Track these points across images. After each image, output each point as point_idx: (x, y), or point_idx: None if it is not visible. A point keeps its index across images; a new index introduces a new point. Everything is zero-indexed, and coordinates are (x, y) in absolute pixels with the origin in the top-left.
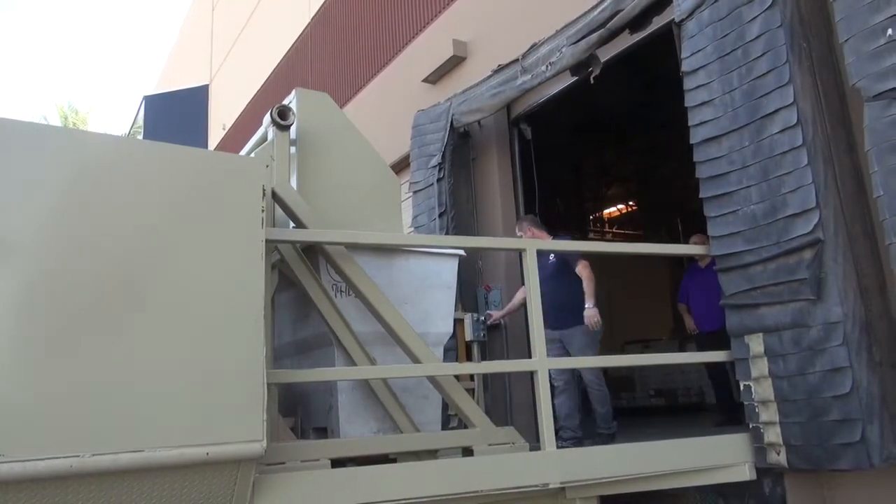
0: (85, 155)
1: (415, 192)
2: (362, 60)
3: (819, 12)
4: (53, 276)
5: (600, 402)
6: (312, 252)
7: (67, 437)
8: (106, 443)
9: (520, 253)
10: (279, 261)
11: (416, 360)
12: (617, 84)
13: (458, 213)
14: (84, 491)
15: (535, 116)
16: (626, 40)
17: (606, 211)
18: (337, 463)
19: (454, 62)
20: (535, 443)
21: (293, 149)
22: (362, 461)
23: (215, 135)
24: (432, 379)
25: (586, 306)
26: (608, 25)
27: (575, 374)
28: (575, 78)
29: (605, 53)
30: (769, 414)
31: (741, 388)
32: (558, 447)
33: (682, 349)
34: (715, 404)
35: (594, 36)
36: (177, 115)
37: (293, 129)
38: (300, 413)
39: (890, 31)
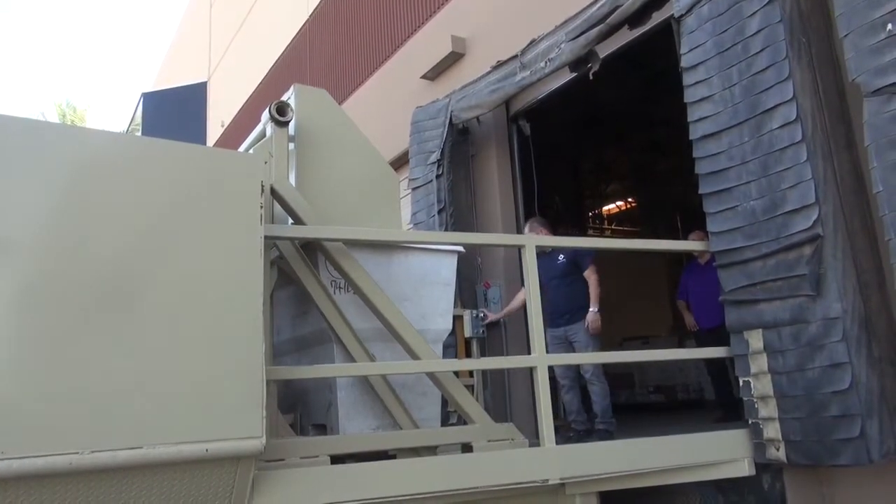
0: (83, 152)
1: (414, 189)
2: (361, 57)
3: (819, 7)
4: (51, 273)
5: (600, 397)
6: (311, 249)
7: (66, 434)
8: (105, 439)
9: (519, 249)
10: (278, 257)
11: (415, 357)
12: (616, 80)
13: (457, 210)
14: (83, 488)
15: (534, 113)
16: (626, 36)
17: (605, 208)
18: (336, 459)
19: (453, 58)
20: (534, 439)
21: (291, 145)
22: (361, 458)
23: (214, 132)
24: (431, 375)
25: (591, 310)
26: (607, 21)
27: (576, 371)
28: (574, 74)
29: (605, 49)
30: (768, 410)
31: (740, 384)
32: (570, 440)
33: (681, 345)
34: (714, 400)
35: (593, 32)
36: (175, 112)
37: (292, 125)
38: (300, 410)
39: (890, 26)
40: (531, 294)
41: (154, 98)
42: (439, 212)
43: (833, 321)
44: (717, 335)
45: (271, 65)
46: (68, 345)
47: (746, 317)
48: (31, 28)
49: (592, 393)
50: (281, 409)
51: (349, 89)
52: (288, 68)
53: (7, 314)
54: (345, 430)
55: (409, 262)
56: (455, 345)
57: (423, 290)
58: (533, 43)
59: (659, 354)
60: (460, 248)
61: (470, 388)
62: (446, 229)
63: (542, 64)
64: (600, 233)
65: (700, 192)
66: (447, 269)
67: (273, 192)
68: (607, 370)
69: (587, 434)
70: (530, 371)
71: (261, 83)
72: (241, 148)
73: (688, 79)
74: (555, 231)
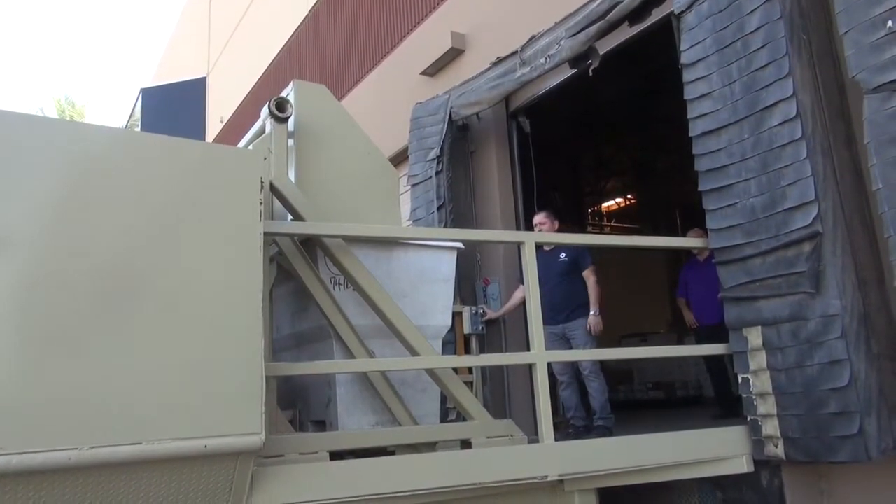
0: (82, 147)
1: (413, 186)
2: (360, 53)
3: (819, 4)
4: (50, 269)
5: (598, 393)
6: (311, 245)
7: (66, 430)
8: (104, 435)
9: (518, 246)
10: (277, 253)
11: (414, 354)
12: (616, 77)
13: (457, 207)
14: (82, 483)
15: (534, 109)
16: (626, 32)
17: (605, 204)
18: (335, 456)
19: (453, 55)
20: (533, 436)
21: (291, 141)
22: (361, 454)
23: (213, 127)
24: (431, 372)
25: (591, 313)
26: (607, 17)
27: (575, 368)
28: (574, 70)
29: (605, 46)
30: (767, 406)
31: (739, 380)
32: (569, 436)
33: (679, 342)
34: (713, 397)
35: (593, 28)
36: (174, 108)
37: (291, 121)
38: (299, 406)
39: (890, 23)
40: (530, 291)
41: (153, 93)
42: (439, 208)
43: (832, 318)
44: (717, 332)
45: (270, 60)
46: (67, 341)
47: (745, 314)
48: (30, 23)
49: (591, 389)
50: (280, 405)
51: (349, 85)
52: (287, 64)
53: (6, 310)
54: (344, 426)
55: (408, 259)
56: (454, 341)
57: (423, 286)
58: (533, 39)
59: (658, 351)
60: (459, 245)
61: (469, 384)
62: (446, 226)
63: (542, 60)
64: (599, 229)
65: (700, 188)
66: (446, 265)
67: (272, 188)
68: (606, 367)
69: (586, 431)
70: (529, 368)
71: (260, 79)
72: (241, 144)
73: (687, 76)
74: (560, 226)
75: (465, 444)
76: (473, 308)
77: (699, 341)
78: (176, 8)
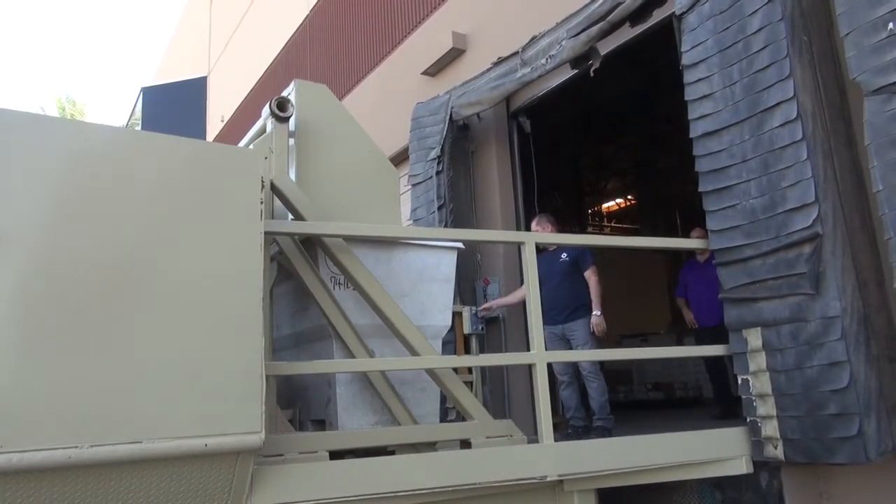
0: (82, 146)
1: (413, 185)
2: (361, 52)
3: (820, 6)
4: (51, 267)
5: (598, 393)
6: (311, 244)
7: (66, 429)
8: (104, 434)
9: (519, 246)
10: (277, 253)
11: (413, 353)
12: (617, 77)
13: (457, 206)
14: (82, 482)
15: (535, 109)
16: (627, 33)
17: (605, 205)
18: (335, 455)
19: (454, 54)
20: (532, 436)
21: (291, 140)
22: (361, 453)
23: (213, 127)
24: (430, 372)
25: (594, 313)
26: (608, 18)
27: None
28: (575, 71)
29: (606, 46)
30: (767, 408)
31: (739, 381)
32: (569, 437)
33: (679, 343)
34: (713, 398)
35: (594, 29)
36: (175, 107)
37: (292, 120)
38: (298, 405)
39: (891, 25)
40: (531, 291)
41: (154, 92)
42: (439, 208)
43: (832, 319)
44: (717, 333)
45: (271, 60)
46: (67, 339)
47: (745, 315)
48: (30, 22)
49: (590, 390)
50: (280, 404)
51: (350, 85)
52: (288, 63)
53: (7, 308)
54: (343, 425)
55: (408, 259)
56: (454, 341)
57: (423, 286)
58: (534, 39)
59: (657, 352)
60: (460, 245)
61: (469, 384)
62: (446, 226)
63: (543, 60)
64: (600, 230)
65: (700, 189)
66: (447, 265)
67: (273, 187)
68: (606, 367)
69: (585, 431)
70: (529, 368)
71: (261, 78)
72: (241, 143)
73: (688, 76)
74: (560, 229)
75: (465, 444)
76: (473, 308)
77: (699, 342)
78: (177, 7)
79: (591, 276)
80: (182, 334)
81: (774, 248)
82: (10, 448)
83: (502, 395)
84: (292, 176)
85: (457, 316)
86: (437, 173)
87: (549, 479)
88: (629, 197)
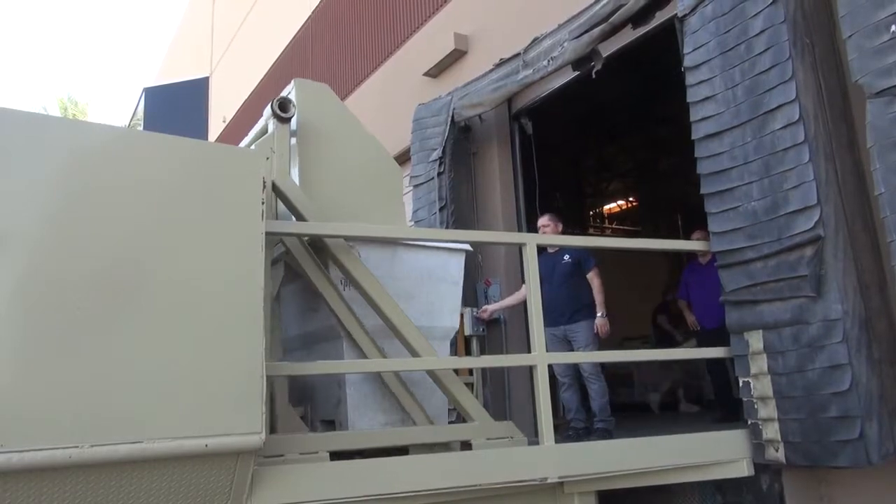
0: (84, 146)
1: (415, 186)
2: (363, 53)
3: (822, 8)
4: (53, 267)
5: (598, 394)
6: (320, 245)
7: (67, 428)
8: (105, 434)
9: (520, 248)
10: (284, 253)
11: (415, 355)
12: (618, 79)
13: (459, 208)
14: (83, 481)
15: (537, 111)
16: (629, 35)
17: (607, 206)
18: (342, 456)
19: (455, 56)
20: (533, 437)
21: (293, 140)
22: (372, 453)
23: (215, 127)
24: (431, 373)
25: (598, 314)
26: (610, 20)
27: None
28: (577, 73)
29: (607, 48)
30: (768, 410)
31: (740, 384)
32: (570, 438)
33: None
34: (714, 400)
35: (596, 30)
36: (177, 108)
37: (293, 120)
38: (308, 405)
39: (893, 28)
40: (532, 292)
41: (156, 93)
42: (440, 209)
43: (833, 322)
44: (719, 335)
45: (274, 60)
46: (68, 339)
47: (747, 317)
48: (33, 22)
49: (591, 391)
50: (290, 403)
51: (352, 85)
52: (290, 64)
53: (8, 308)
54: (354, 425)
55: (415, 259)
56: (455, 342)
57: (429, 287)
58: (536, 41)
59: (659, 354)
60: (468, 247)
61: (470, 385)
62: (447, 227)
63: (545, 62)
64: (601, 231)
65: (702, 192)
66: (455, 267)
67: (275, 188)
68: (607, 369)
69: (586, 433)
70: (530, 369)
71: (263, 79)
72: (243, 143)
73: (690, 78)
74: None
75: (466, 446)
76: (474, 309)
77: (700, 344)
78: (179, 7)
79: (593, 277)
80: (183, 334)
81: (776, 250)
82: (10, 447)
83: (503, 396)
84: (295, 176)
85: None
86: (439, 174)
87: (549, 480)
88: (631, 198)
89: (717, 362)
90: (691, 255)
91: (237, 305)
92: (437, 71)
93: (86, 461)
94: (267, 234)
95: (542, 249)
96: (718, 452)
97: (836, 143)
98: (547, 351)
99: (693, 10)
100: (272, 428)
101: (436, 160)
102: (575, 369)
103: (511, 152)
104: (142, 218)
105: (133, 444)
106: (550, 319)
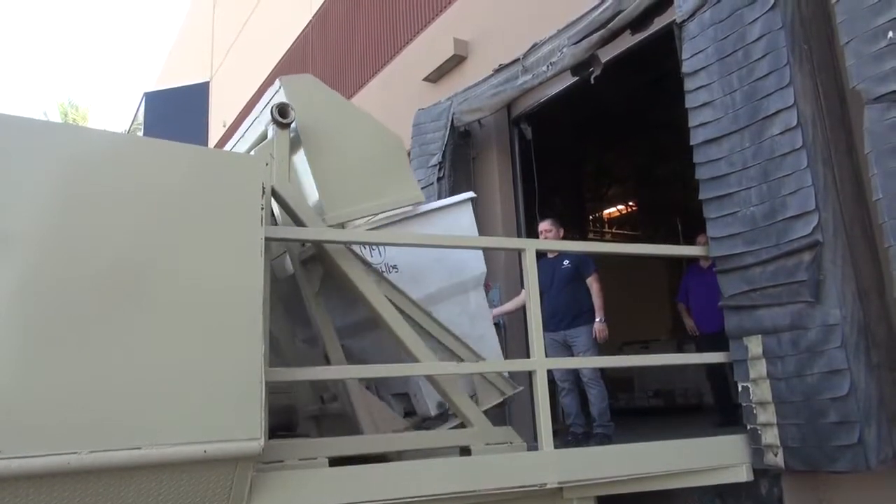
0: (84, 152)
1: None
2: (363, 58)
3: (820, 14)
4: (51, 273)
5: (598, 399)
6: (321, 250)
7: (65, 434)
8: (103, 440)
9: (519, 253)
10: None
11: (413, 358)
12: (618, 84)
13: None
14: (81, 488)
15: (536, 116)
16: (628, 40)
17: (606, 211)
18: (335, 462)
19: (455, 61)
20: (533, 443)
21: (293, 135)
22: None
23: (216, 132)
24: (431, 378)
25: (597, 319)
26: (609, 26)
27: (576, 374)
28: (576, 78)
29: (606, 53)
30: (767, 415)
31: (739, 389)
32: (569, 444)
33: (680, 350)
34: (713, 405)
35: (595, 36)
36: (177, 112)
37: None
38: (373, 382)
39: (891, 34)
40: (531, 298)
41: (156, 97)
42: None
43: (832, 327)
44: (718, 340)
45: (274, 65)
46: (67, 345)
47: (746, 322)
48: (33, 27)
49: (590, 396)
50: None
51: (352, 90)
52: (290, 69)
53: (6, 314)
54: (427, 392)
55: (432, 226)
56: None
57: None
58: (535, 46)
59: (658, 359)
60: (472, 194)
61: None
62: None
63: (544, 67)
64: (601, 236)
65: (700, 197)
66: (466, 218)
67: (274, 193)
68: (607, 374)
69: (586, 438)
70: (529, 374)
71: (263, 83)
72: (236, 146)
73: (689, 84)
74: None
75: (465, 451)
76: None
77: (699, 349)
78: (180, 12)
79: (593, 282)
80: (182, 340)
81: (774, 255)
82: (8, 453)
83: (502, 401)
84: (309, 173)
85: None
86: (439, 179)
87: (548, 486)
88: (630, 203)
89: (715, 368)
90: (692, 260)
91: (237, 310)
92: (436, 76)
93: (84, 467)
94: (265, 238)
95: (542, 254)
96: (718, 458)
97: (835, 148)
98: (547, 356)
99: (691, 15)
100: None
101: (435, 165)
102: (575, 374)
103: (511, 157)
104: (141, 224)
105: (132, 450)
106: (550, 324)
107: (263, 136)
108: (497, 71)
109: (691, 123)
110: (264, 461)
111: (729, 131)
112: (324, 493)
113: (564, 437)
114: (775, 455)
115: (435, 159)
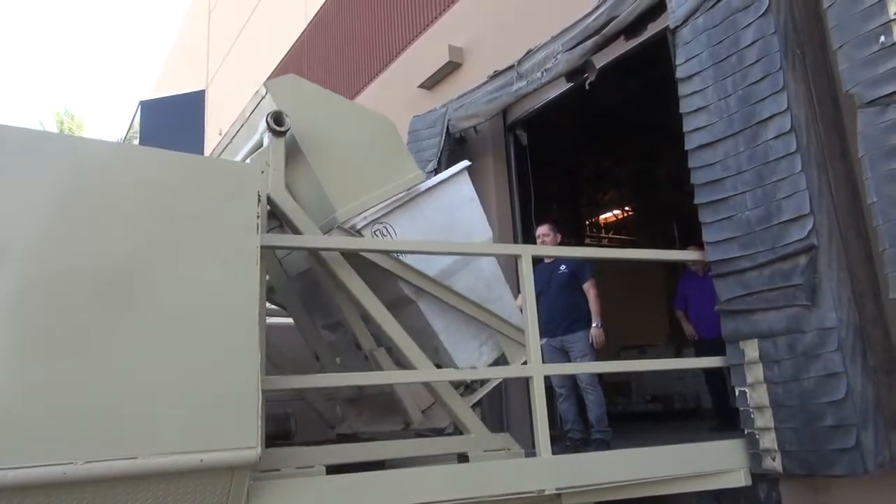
0: (80, 161)
1: None
2: (358, 66)
3: (813, 19)
4: (48, 283)
5: (595, 405)
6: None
7: (61, 444)
8: (100, 450)
9: (516, 259)
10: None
11: (411, 366)
12: (612, 89)
13: None
14: (77, 498)
15: (531, 122)
16: (622, 46)
17: (603, 216)
18: (333, 469)
19: (450, 68)
20: (530, 449)
21: (286, 136)
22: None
23: (211, 140)
24: (428, 385)
25: (593, 325)
26: (603, 32)
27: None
28: (570, 84)
29: (601, 59)
30: (764, 419)
31: (736, 393)
32: (567, 449)
33: (678, 354)
34: (711, 410)
35: (589, 42)
36: (173, 121)
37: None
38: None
39: (883, 38)
40: (527, 304)
41: (152, 106)
42: None
43: (828, 331)
44: (716, 345)
45: (269, 73)
46: (63, 355)
47: (742, 326)
48: (29, 36)
49: (588, 401)
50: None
51: (347, 98)
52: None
53: (2, 324)
54: (458, 361)
55: (435, 199)
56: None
57: (458, 215)
58: (530, 53)
59: (656, 364)
60: (467, 163)
61: None
62: None
63: (539, 74)
64: (597, 241)
65: (695, 202)
66: (466, 187)
67: (270, 201)
68: (604, 379)
69: (584, 443)
70: (526, 381)
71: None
72: (223, 153)
73: (683, 89)
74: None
75: (462, 458)
76: None
77: (698, 354)
78: (176, 20)
79: (589, 288)
80: (178, 349)
81: (770, 259)
82: (5, 464)
83: (500, 408)
84: (315, 174)
85: None
86: None
87: (546, 492)
88: (627, 208)
89: (714, 372)
90: (686, 264)
91: (233, 319)
92: (431, 83)
93: (80, 478)
94: (262, 247)
95: (538, 260)
96: (716, 462)
97: (829, 152)
98: (545, 361)
99: (685, 21)
100: None
101: (431, 171)
102: (572, 380)
103: (506, 163)
104: (138, 233)
105: (128, 459)
106: (547, 330)
107: (259, 145)
108: (492, 77)
109: (686, 128)
110: (261, 469)
111: (723, 136)
112: (321, 501)
113: (562, 443)
114: (773, 459)
115: (431, 166)
